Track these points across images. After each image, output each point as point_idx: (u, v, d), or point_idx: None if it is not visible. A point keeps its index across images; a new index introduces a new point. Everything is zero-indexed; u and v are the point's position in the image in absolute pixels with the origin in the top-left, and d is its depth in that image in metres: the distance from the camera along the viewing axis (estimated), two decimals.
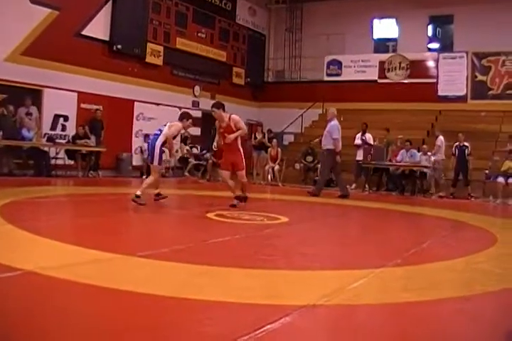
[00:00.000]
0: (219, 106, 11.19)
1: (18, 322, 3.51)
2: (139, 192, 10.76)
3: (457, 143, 19.24)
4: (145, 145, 19.98)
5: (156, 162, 11.09)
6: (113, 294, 4.24)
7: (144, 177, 20.72)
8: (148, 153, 11.47)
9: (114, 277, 4.78)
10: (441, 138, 20.07)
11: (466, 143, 19.09)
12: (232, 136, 10.86)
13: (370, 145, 20.69)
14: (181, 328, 3.56)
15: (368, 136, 20.88)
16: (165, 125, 11.34)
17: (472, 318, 4.24)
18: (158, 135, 11.08)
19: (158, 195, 11.64)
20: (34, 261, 5.15)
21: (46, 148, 18.28)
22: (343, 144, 21.20)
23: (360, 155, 20.60)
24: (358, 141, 20.87)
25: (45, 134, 19.17)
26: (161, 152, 11.13)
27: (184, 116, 11.76)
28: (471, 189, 18.96)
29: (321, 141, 17.04)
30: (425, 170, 19.45)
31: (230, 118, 11.05)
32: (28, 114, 18.12)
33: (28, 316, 3.65)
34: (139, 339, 3.35)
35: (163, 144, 11.12)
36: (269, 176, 21.34)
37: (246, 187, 11.41)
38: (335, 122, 16.35)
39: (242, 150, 11.22)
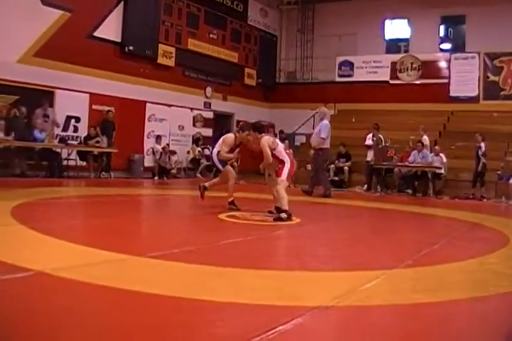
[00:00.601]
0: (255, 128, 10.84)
1: (28, 323, 3.51)
2: (230, 199, 10.94)
3: (478, 144, 19.12)
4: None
5: (221, 168, 11.27)
6: (124, 295, 4.25)
7: (156, 177, 20.80)
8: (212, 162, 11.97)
9: (125, 278, 4.79)
10: (426, 137, 20.21)
11: (481, 144, 18.99)
12: (261, 165, 10.71)
13: (382, 146, 20.65)
14: (192, 329, 3.55)
15: (379, 137, 20.84)
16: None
17: (484, 319, 4.23)
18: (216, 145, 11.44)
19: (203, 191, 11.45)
20: (45, 262, 5.15)
21: (58, 149, 18.34)
22: (356, 145, 21.27)
23: (370, 156, 20.58)
24: (368, 142, 20.84)
25: (57, 135, 19.23)
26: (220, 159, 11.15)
27: (242, 128, 11.56)
28: (480, 190, 18.92)
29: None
30: (437, 170, 19.41)
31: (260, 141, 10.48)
32: (45, 116, 18.19)
33: (39, 316, 3.65)
34: (150, 339, 3.35)
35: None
36: None
37: (282, 198, 9.90)
38: (326, 121, 16.48)
39: (287, 163, 10.06)
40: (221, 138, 11.25)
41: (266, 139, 10.22)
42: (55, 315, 3.74)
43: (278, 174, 10.07)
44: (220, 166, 11.16)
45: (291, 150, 20.98)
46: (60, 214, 9.63)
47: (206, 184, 11.35)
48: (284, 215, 9.61)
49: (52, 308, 3.88)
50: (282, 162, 10.07)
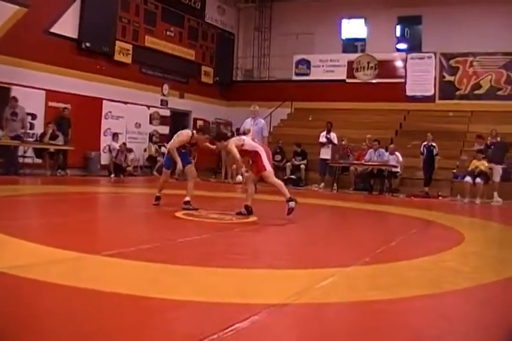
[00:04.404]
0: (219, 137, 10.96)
1: None
2: (187, 198, 10.52)
3: (425, 143, 19.40)
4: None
5: (180, 167, 10.84)
6: (79, 293, 4.21)
7: (112, 175, 20.66)
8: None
9: (80, 276, 4.74)
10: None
11: (433, 143, 19.24)
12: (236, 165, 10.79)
13: (334, 144, 20.84)
14: (149, 327, 3.53)
15: (333, 135, 21.07)
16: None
17: (440, 315, 4.26)
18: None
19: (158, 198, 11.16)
20: (1, 261, 5.10)
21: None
22: (313, 143, 21.37)
23: (324, 154, 20.79)
24: (322, 139, 21.02)
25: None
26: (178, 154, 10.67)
27: (201, 130, 11.39)
28: (439, 188, 19.11)
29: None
30: (393, 169, 19.56)
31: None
32: (14, 114, 17.89)
33: None
34: (105, 339, 3.33)
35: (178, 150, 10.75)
36: (239, 176, 21.32)
37: (280, 188, 10.10)
38: (262, 120, 16.64)
39: (261, 152, 10.13)
40: (176, 134, 10.98)
41: (232, 142, 10.24)
42: (11, 314, 3.69)
43: (261, 168, 10.06)
44: (179, 164, 10.68)
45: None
46: (15, 212, 9.51)
47: (158, 194, 11.10)
48: (292, 204, 9.81)
49: (8, 307, 3.83)
50: (256, 153, 10.09)
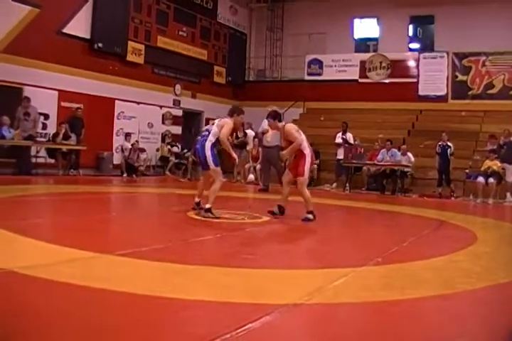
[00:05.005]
0: (274, 116, 10.21)
1: None
2: (208, 206, 9.35)
3: (440, 143, 19.31)
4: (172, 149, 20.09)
5: (212, 165, 9.50)
6: (92, 293, 4.22)
7: (125, 175, 20.69)
8: (200, 158, 9.89)
9: (93, 276, 4.76)
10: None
11: (449, 143, 19.16)
12: (285, 152, 10.00)
13: (350, 144, 20.76)
14: (162, 327, 3.54)
15: (349, 136, 20.95)
16: (213, 124, 9.80)
17: (452, 316, 4.26)
18: (207, 136, 9.63)
19: (198, 204, 10.12)
20: (14, 260, 5.12)
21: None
22: (325, 143, 21.34)
23: (341, 154, 20.68)
24: (338, 140, 20.92)
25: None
26: (214, 153, 9.59)
27: (235, 111, 10.07)
28: (446, 188, 19.06)
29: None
30: (406, 169, 19.51)
31: (283, 130, 10.05)
32: (26, 114, 17.93)
33: (8, 315, 3.63)
34: (119, 338, 3.34)
35: (215, 145, 9.65)
36: (251, 175, 21.33)
37: (307, 200, 9.85)
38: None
39: (307, 156, 9.84)
40: (215, 125, 9.66)
41: (292, 127, 9.99)
42: (23, 313, 3.71)
43: (300, 172, 9.79)
44: (212, 163, 9.51)
45: (260, 149, 21.07)
46: (28, 212, 9.54)
47: (197, 199, 10.02)
48: (310, 216, 9.69)
49: (20, 307, 3.85)
50: (303, 155, 9.82)
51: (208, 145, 9.44)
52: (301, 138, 9.84)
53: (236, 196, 12.97)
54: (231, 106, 9.96)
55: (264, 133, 16.47)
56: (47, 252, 5.70)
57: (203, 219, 9.15)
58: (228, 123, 9.62)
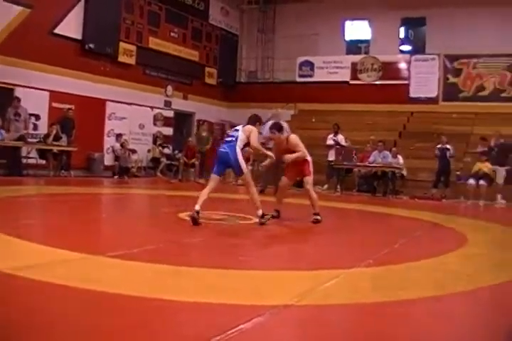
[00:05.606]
0: (279, 128, 10.33)
1: None
2: (260, 212, 9.19)
3: (440, 145, 19.33)
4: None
5: (245, 170, 9.32)
6: (84, 294, 4.22)
7: (116, 176, 20.67)
8: (226, 162, 9.40)
9: (84, 277, 4.75)
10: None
11: (448, 146, 19.16)
12: (290, 156, 10.05)
13: (342, 146, 20.76)
14: (154, 329, 3.54)
15: (340, 137, 20.93)
16: (236, 130, 9.61)
17: (443, 318, 4.27)
18: (234, 141, 9.35)
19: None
20: (5, 261, 5.11)
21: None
22: (316, 145, 21.36)
23: (332, 156, 20.67)
24: (330, 142, 20.90)
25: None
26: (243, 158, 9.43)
27: (257, 120, 9.95)
28: (442, 190, 19.10)
29: None
30: (397, 171, 19.53)
31: (287, 140, 10.19)
32: (17, 114, 17.89)
33: None
34: (112, 339, 3.34)
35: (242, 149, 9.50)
36: None
37: (314, 202, 10.16)
38: (285, 123, 16.80)
39: (310, 162, 10.32)
40: (241, 131, 9.47)
41: (296, 137, 10.27)
42: (15, 314, 3.70)
43: (307, 172, 10.24)
44: (244, 167, 9.31)
45: (251, 150, 21.03)
46: (18, 213, 9.51)
47: (197, 207, 8.97)
48: (319, 217, 9.91)
49: (12, 308, 3.84)
50: (305, 160, 10.21)
51: (238, 150, 9.28)
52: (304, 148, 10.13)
53: (228, 197, 12.97)
54: (252, 115, 9.84)
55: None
56: (38, 253, 5.69)
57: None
58: (254, 130, 9.56)
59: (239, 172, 9.43)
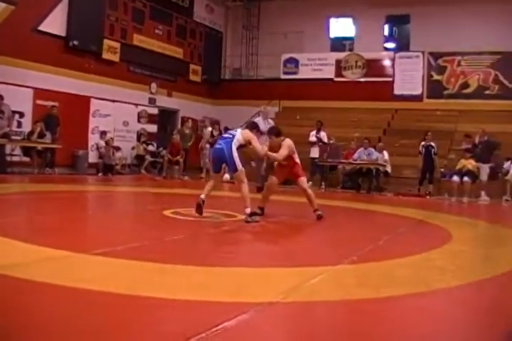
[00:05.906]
0: (277, 133, 10.42)
1: None
2: (248, 210, 9.24)
3: (423, 143, 19.37)
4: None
5: (239, 167, 9.39)
6: (68, 292, 4.20)
7: (100, 174, 20.62)
8: (221, 159, 9.61)
9: (68, 275, 4.73)
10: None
11: (432, 143, 19.21)
12: (270, 154, 10.11)
13: (324, 143, 20.79)
14: (137, 326, 3.53)
15: (323, 134, 20.96)
16: (235, 130, 9.86)
17: (428, 314, 4.28)
18: (230, 138, 9.50)
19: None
20: None
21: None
22: (299, 141, 21.37)
23: (314, 153, 20.68)
24: (312, 138, 20.91)
25: None
26: (239, 155, 9.54)
27: (255, 127, 10.23)
28: (427, 187, 19.16)
29: None
30: (381, 168, 19.56)
31: (280, 145, 10.16)
32: (0, 112, 17.75)
33: None
34: (93, 338, 3.32)
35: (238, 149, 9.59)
36: (226, 174, 21.30)
37: (312, 199, 10.42)
38: (271, 120, 16.88)
39: (298, 164, 10.50)
40: (239, 133, 9.62)
41: (290, 142, 10.28)
42: (1, 314, 3.70)
43: (300, 173, 10.50)
44: (238, 164, 9.37)
45: None
46: (3, 211, 9.48)
47: (202, 196, 9.42)
48: (320, 212, 10.20)
49: None
50: (295, 162, 10.41)
51: (234, 147, 9.40)
52: (295, 154, 10.39)
53: (212, 195, 12.97)
54: (250, 122, 10.12)
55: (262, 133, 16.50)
56: (22, 251, 5.66)
57: (178, 217, 9.16)
58: (255, 138, 9.76)
59: (233, 169, 9.51)
